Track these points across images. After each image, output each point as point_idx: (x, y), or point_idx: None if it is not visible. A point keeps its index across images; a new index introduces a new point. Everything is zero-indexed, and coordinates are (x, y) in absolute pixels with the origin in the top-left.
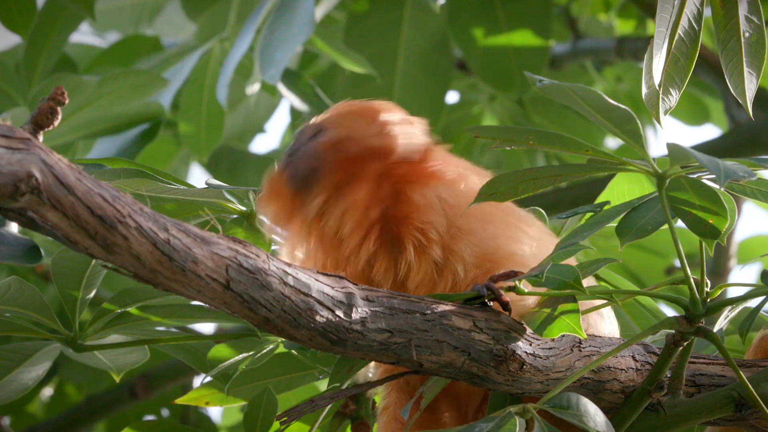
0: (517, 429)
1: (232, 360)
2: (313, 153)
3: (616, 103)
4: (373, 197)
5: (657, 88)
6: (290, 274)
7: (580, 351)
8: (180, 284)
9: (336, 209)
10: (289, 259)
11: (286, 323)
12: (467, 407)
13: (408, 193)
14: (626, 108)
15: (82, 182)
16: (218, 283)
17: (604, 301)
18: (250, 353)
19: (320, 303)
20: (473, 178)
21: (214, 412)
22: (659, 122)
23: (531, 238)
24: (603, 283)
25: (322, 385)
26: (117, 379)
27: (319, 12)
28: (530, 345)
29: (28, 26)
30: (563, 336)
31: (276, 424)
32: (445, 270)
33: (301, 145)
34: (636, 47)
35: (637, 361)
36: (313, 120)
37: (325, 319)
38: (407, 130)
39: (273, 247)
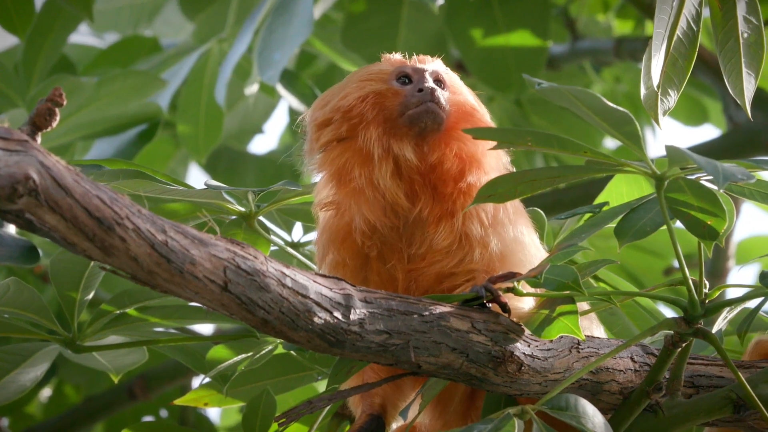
0: (516, 430)
1: (230, 361)
2: (443, 108)
3: (614, 106)
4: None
5: (655, 89)
6: (288, 276)
7: (579, 352)
8: (178, 286)
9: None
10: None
11: (284, 325)
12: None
13: (476, 171)
14: (624, 110)
15: (80, 184)
16: (216, 285)
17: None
18: (249, 354)
19: (318, 304)
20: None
21: (213, 413)
22: (658, 123)
23: (537, 249)
24: (602, 284)
25: (321, 386)
26: (115, 380)
27: (317, 11)
28: (529, 346)
29: (26, 27)
30: (561, 337)
31: (274, 425)
32: (465, 248)
33: (433, 91)
34: (634, 48)
35: (635, 362)
36: (424, 61)
37: (323, 321)
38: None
39: (272, 248)
